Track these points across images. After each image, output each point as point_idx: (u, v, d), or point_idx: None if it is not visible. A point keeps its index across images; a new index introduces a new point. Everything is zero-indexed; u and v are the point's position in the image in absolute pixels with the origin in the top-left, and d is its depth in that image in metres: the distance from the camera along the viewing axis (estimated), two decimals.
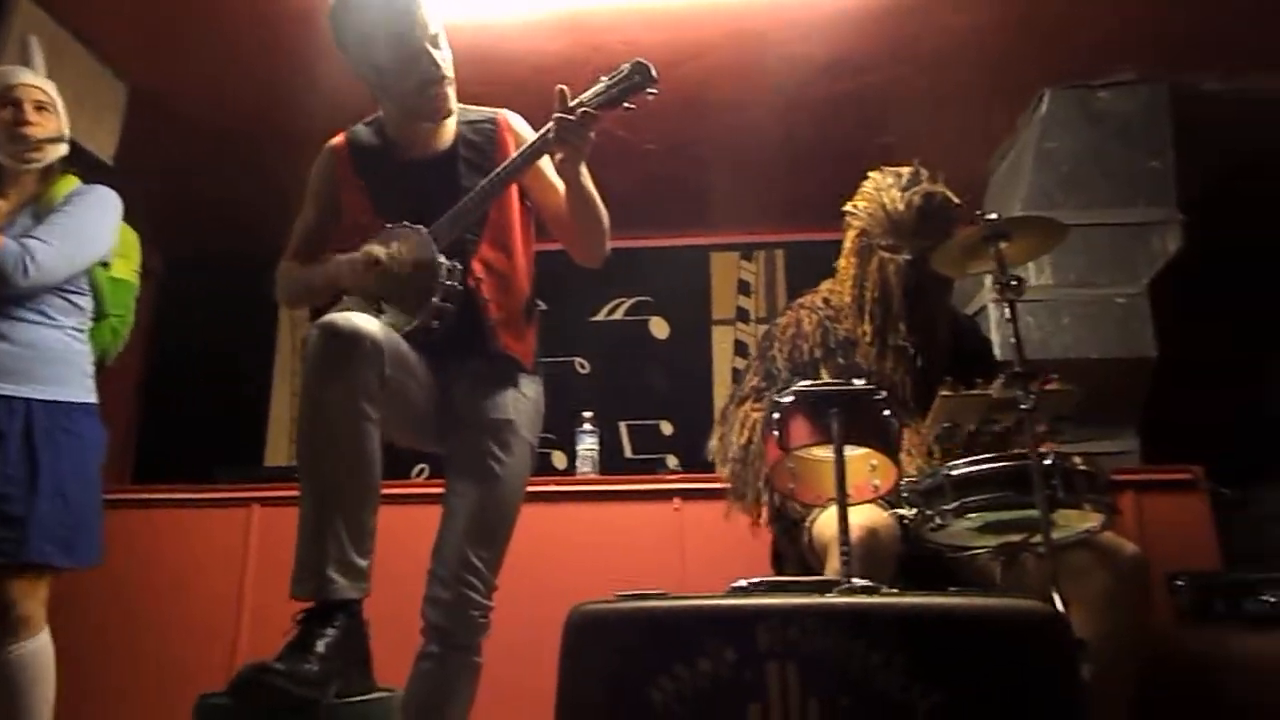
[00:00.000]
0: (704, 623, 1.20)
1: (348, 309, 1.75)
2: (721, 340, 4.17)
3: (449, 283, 1.71)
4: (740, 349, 4.11)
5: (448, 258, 1.72)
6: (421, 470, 3.81)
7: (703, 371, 4.11)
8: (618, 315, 4.20)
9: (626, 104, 1.65)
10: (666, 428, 4.02)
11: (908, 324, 2.05)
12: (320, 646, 1.39)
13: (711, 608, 1.22)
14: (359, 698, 1.48)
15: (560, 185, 1.81)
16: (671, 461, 3.89)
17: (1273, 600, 1.85)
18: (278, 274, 1.94)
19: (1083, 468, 1.59)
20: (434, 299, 1.69)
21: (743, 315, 4.20)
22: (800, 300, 2.31)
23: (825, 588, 1.26)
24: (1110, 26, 2.99)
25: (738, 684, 1.15)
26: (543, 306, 1.97)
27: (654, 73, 1.64)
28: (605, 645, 1.22)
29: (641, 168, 3.72)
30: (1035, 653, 1.10)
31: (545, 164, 1.84)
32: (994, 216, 1.61)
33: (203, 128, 3.48)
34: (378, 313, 1.74)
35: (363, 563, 1.50)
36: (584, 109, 1.63)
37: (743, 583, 1.32)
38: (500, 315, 1.82)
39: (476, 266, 1.80)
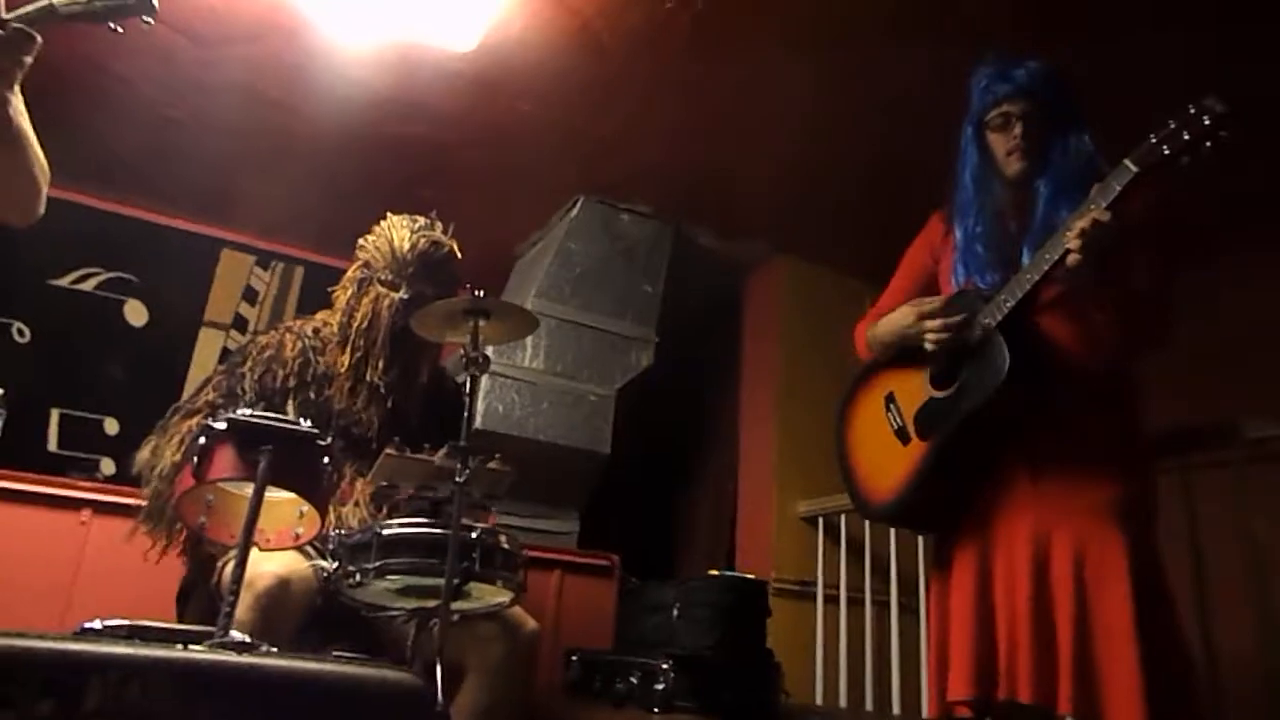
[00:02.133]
0: (20, 669, 1.00)
1: None
2: (208, 344, 3.78)
3: None
4: (227, 359, 3.74)
5: None
6: None
7: (176, 374, 3.65)
8: (86, 286, 3.57)
9: (112, 24, 1.41)
10: (112, 426, 3.47)
11: (387, 362, 2.03)
12: None
13: (35, 651, 1.02)
14: None
15: None
16: (108, 466, 3.35)
17: (633, 682, 2.13)
18: None
19: (504, 546, 1.68)
20: None
21: (240, 323, 3.85)
22: (289, 324, 2.18)
23: (192, 639, 1.13)
24: (640, 165, 3.42)
25: None
26: None
27: (155, 2, 1.43)
28: None
29: (160, 133, 3.27)
30: None
31: None
32: (480, 293, 1.68)
33: None
34: None
35: None
36: (16, 25, 1.35)
37: (96, 624, 1.14)
38: None
39: None
